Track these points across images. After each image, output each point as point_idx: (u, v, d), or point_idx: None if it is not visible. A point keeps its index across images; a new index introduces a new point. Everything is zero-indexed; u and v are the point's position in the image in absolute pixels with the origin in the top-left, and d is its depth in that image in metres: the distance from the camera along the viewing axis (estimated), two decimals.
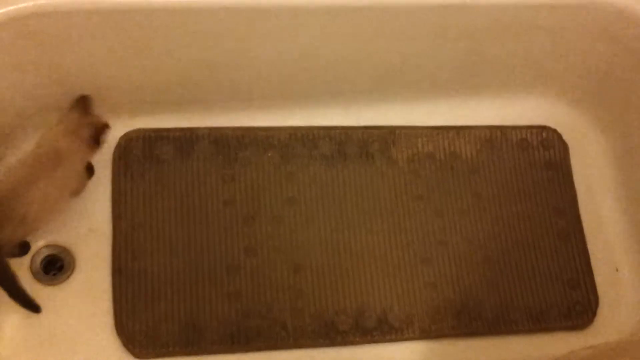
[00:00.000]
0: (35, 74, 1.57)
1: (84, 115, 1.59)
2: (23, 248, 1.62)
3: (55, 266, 1.65)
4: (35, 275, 1.63)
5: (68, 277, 1.64)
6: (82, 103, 1.60)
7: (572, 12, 1.63)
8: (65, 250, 1.66)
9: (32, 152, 1.51)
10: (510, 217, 1.84)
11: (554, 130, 1.93)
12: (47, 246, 1.65)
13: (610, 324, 1.78)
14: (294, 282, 1.71)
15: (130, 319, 1.63)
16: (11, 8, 1.40)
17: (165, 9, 1.47)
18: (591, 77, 1.83)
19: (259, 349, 1.66)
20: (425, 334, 1.71)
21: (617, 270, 1.83)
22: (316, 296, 1.71)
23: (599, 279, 1.81)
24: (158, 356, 1.62)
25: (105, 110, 1.70)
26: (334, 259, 1.74)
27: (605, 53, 1.74)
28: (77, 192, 1.65)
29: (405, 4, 1.56)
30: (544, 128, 1.93)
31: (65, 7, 1.43)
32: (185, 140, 1.76)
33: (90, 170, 1.68)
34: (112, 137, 1.72)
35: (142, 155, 1.73)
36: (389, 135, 1.85)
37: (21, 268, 1.62)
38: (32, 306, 1.51)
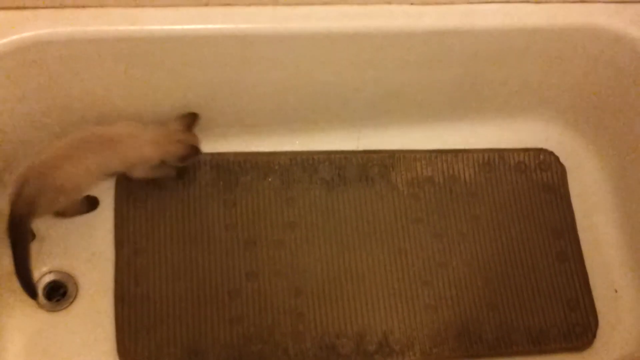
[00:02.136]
0: (39, 102, 1.59)
1: (183, 132, 1.65)
2: (92, 204, 1.71)
3: (59, 292, 1.67)
4: (38, 301, 1.64)
5: (71, 303, 1.66)
6: (188, 119, 1.66)
7: (568, 37, 1.65)
8: (69, 276, 1.67)
9: (103, 130, 1.57)
10: (509, 239, 1.85)
11: (551, 153, 1.95)
12: (50, 272, 1.67)
13: (610, 345, 1.78)
14: (295, 305, 1.72)
15: (132, 344, 1.63)
16: (15, 37, 1.42)
17: (165, 37, 1.50)
18: (587, 100, 1.85)
19: None
20: (426, 357, 1.71)
21: (616, 291, 1.83)
22: (317, 320, 1.72)
23: (598, 300, 1.82)
24: None
25: None
26: (335, 282, 1.75)
27: (601, 77, 1.76)
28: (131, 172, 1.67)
29: (402, 30, 1.58)
30: (541, 151, 1.95)
31: (67, 36, 1.45)
32: (187, 166, 1.77)
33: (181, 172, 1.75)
34: None
35: (144, 180, 1.74)
36: (388, 159, 1.87)
37: (24, 294, 1.61)
38: (31, 290, 1.48)
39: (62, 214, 1.68)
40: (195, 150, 1.65)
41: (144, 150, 1.60)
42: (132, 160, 1.61)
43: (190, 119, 1.68)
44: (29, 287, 1.48)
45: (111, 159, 1.55)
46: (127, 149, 1.58)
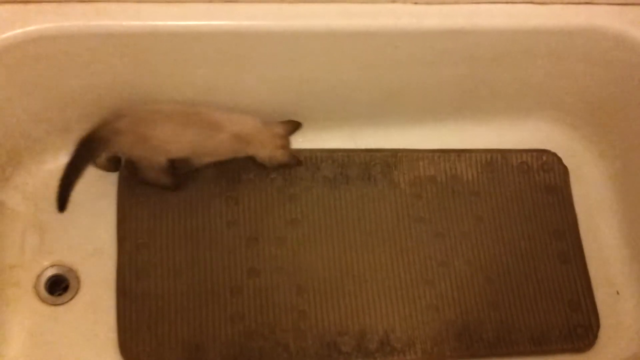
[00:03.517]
0: (42, 96, 1.60)
1: (286, 138, 1.73)
2: (174, 180, 1.73)
3: (60, 286, 1.67)
4: (40, 295, 1.65)
5: (73, 297, 1.66)
6: (292, 127, 1.74)
7: (571, 39, 1.65)
8: (71, 271, 1.68)
9: (218, 114, 1.64)
10: (511, 240, 1.85)
11: (554, 154, 1.95)
12: (52, 266, 1.67)
13: (611, 346, 1.78)
14: (297, 303, 1.72)
15: (134, 340, 1.64)
16: (18, 31, 1.43)
17: (169, 32, 1.50)
18: (590, 101, 1.85)
19: None
20: (427, 356, 1.71)
21: (618, 293, 1.83)
22: (319, 317, 1.72)
23: (600, 301, 1.82)
24: None
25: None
26: (337, 280, 1.75)
27: (603, 78, 1.76)
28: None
29: (405, 29, 1.58)
30: (544, 152, 1.95)
31: (69, 31, 1.46)
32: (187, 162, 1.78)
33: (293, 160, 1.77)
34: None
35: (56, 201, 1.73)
36: (390, 158, 1.87)
37: (26, 288, 1.64)
38: (61, 201, 1.56)
39: (143, 176, 1.70)
40: (297, 161, 1.77)
41: (249, 146, 1.69)
42: (225, 151, 1.69)
43: (294, 127, 1.74)
44: (61, 199, 1.56)
45: (209, 142, 1.64)
46: (228, 140, 1.65)
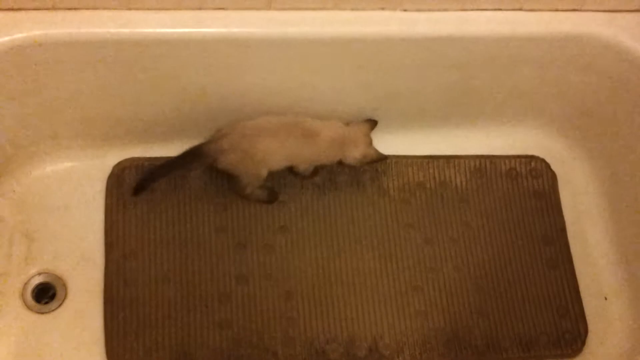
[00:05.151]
0: (29, 103, 1.59)
1: (369, 136, 1.77)
2: (272, 196, 1.80)
3: (48, 294, 1.66)
4: (27, 303, 1.63)
5: (60, 305, 1.65)
6: (371, 125, 1.79)
7: (560, 46, 1.66)
8: (58, 279, 1.66)
9: (311, 123, 1.70)
10: (500, 246, 1.85)
11: (542, 160, 1.95)
12: (39, 274, 1.66)
13: (599, 352, 1.78)
14: (285, 310, 1.72)
15: (121, 347, 1.63)
16: (6, 39, 1.42)
17: (158, 40, 1.50)
18: (578, 108, 1.86)
19: None
20: None
21: (605, 298, 1.84)
22: (307, 324, 1.72)
23: (588, 307, 1.82)
24: None
25: (99, 140, 1.72)
26: (325, 286, 1.75)
27: (592, 85, 1.77)
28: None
29: (395, 36, 1.58)
30: (532, 158, 1.95)
31: (58, 38, 1.45)
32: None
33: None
34: (106, 165, 1.75)
35: (135, 183, 1.74)
36: (380, 164, 1.87)
37: (13, 296, 1.62)
38: (138, 187, 1.70)
39: (243, 191, 1.75)
40: (382, 156, 1.77)
41: (343, 148, 1.73)
42: (321, 157, 1.75)
43: (373, 125, 1.78)
44: (140, 185, 1.69)
45: (308, 150, 1.70)
46: (328, 144, 1.71)
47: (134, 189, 1.69)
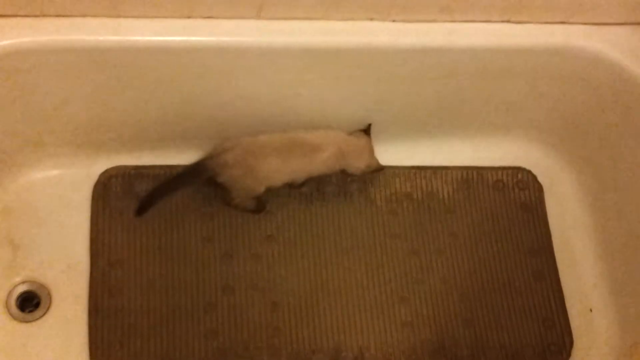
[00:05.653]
0: (16, 110, 1.57)
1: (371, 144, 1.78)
2: (259, 205, 1.78)
3: (32, 303, 1.64)
4: (10, 311, 1.62)
5: (44, 314, 1.64)
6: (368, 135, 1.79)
7: (547, 57, 1.67)
8: (42, 287, 1.65)
9: (311, 137, 1.70)
10: (486, 257, 1.86)
11: (529, 172, 1.96)
12: (23, 282, 1.65)
13: None
14: (271, 320, 1.71)
15: (105, 357, 1.62)
16: None
17: (147, 48, 1.49)
18: (565, 120, 1.87)
19: None
20: None
21: (591, 310, 1.84)
22: (293, 334, 1.71)
23: (573, 319, 1.83)
24: None
25: (86, 147, 1.71)
26: (312, 297, 1.75)
27: (579, 97, 1.77)
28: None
29: (383, 47, 1.58)
30: (519, 169, 1.96)
31: (46, 45, 1.44)
32: (165, 178, 1.76)
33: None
34: (93, 173, 1.74)
35: (121, 192, 1.74)
36: (367, 174, 1.87)
37: None
38: (141, 209, 1.66)
39: (232, 201, 1.75)
40: (381, 166, 1.79)
41: (346, 158, 1.72)
42: (322, 169, 1.73)
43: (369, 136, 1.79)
44: (143, 205, 1.66)
45: (311, 164, 1.70)
46: (330, 158, 1.70)
47: (137, 210, 1.67)
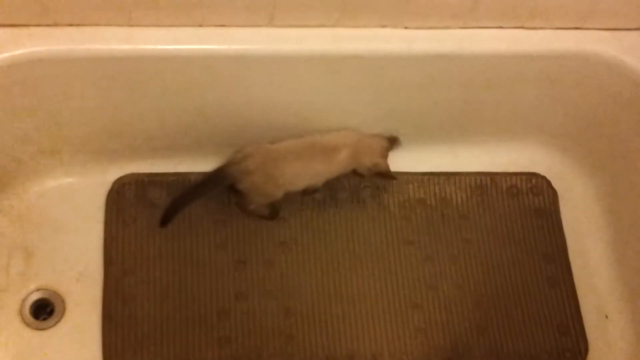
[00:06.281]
0: (31, 119, 1.58)
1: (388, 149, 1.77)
2: (275, 212, 1.79)
3: (46, 310, 1.65)
4: (24, 319, 1.63)
5: (58, 321, 1.64)
6: (393, 142, 1.78)
7: (561, 64, 1.66)
8: (56, 295, 1.66)
9: (329, 139, 1.71)
10: (500, 263, 1.85)
11: (543, 177, 1.95)
12: (37, 290, 1.65)
13: None
14: (285, 326, 1.71)
15: None
16: (7, 55, 1.41)
17: (159, 56, 1.49)
18: (579, 125, 1.86)
19: None
20: None
21: (606, 317, 1.83)
22: (306, 341, 1.71)
23: (588, 325, 1.82)
24: None
25: (99, 155, 1.72)
26: (325, 303, 1.75)
27: (593, 102, 1.76)
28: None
29: (396, 54, 1.58)
30: (533, 175, 1.95)
31: (59, 55, 1.44)
32: (178, 185, 1.77)
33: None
34: (106, 181, 1.75)
35: (135, 199, 1.74)
36: (380, 181, 1.86)
37: (11, 312, 1.61)
38: (165, 220, 1.69)
39: (247, 207, 1.75)
40: (392, 174, 1.78)
41: (358, 156, 1.72)
42: (339, 170, 1.73)
43: (395, 142, 1.79)
44: (167, 216, 1.68)
45: (329, 167, 1.70)
46: (345, 159, 1.71)
47: (161, 220, 1.69)
